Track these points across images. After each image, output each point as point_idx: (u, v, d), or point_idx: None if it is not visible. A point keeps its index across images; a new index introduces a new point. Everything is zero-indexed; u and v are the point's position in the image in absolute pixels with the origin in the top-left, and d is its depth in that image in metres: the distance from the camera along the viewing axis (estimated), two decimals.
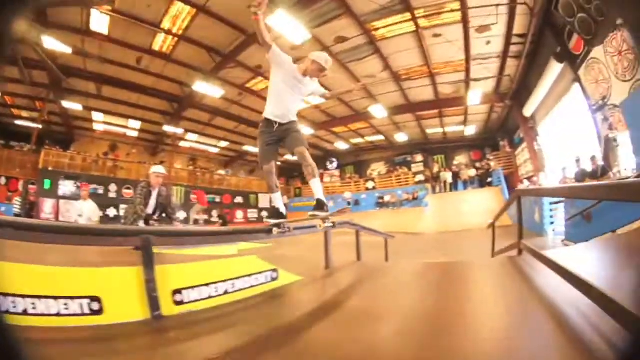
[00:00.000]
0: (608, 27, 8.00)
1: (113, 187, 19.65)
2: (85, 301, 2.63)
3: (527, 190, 4.25)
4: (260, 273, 4.01)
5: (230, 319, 3.12)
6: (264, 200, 25.98)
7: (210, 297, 3.38)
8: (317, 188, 3.89)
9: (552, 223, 10.84)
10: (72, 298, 2.59)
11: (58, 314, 2.52)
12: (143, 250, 2.96)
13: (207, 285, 3.39)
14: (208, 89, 15.24)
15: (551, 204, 10.72)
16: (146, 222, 5.49)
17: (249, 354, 2.23)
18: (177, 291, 3.14)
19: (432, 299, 3.40)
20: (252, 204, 25.89)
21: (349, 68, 14.93)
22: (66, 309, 2.56)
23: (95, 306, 2.66)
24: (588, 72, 10.09)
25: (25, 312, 2.39)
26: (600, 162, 8.83)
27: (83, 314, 2.61)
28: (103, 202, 17.30)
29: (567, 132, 13.89)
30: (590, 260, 3.75)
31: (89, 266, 3.02)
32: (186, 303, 3.17)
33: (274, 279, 4.13)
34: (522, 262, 3.98)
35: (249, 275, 3.86)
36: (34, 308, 2.43)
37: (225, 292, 3.55)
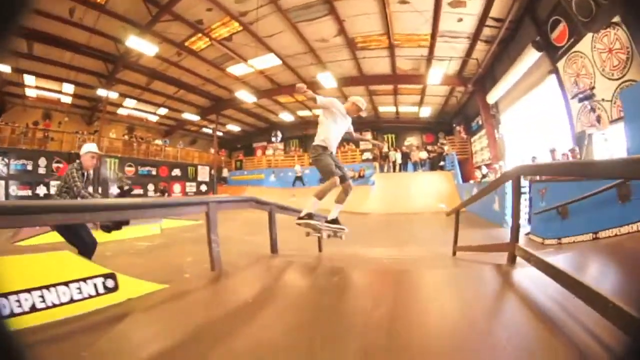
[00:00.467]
0: (608, 15, 7.67)
1: (43, 162, 17.38)
2: None
3: (530, 168, 3.02)
4: (84, 280, 2.55)
5: None
6: (202, 173, 24.82)
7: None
8: (337, 210, 4.84)
9: None
10: None
11: None
12: None
13: None
14: (144, 46, 13.37)
15: None
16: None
17: None
18: None
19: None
20: (190, 176, 24.19)
21: (299, 29, 13.48)
22: None
23: None
24: (569, 65, 10.06)
25: None
26: (580, 156, 8.46)
27: None
28: (32, 179, 16.56)
29: (534, 123, 13.62)
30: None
31: None
32: None
33: (109, 290, 2.67)
34: (523, 282, 2.66)
35: (66, 283, 2.43)
36: None
37: (34, 309, 2.20)
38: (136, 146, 22.89)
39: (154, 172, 22.32)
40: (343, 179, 4.67)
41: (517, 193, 3.49)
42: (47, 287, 2.30)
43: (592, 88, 9.05)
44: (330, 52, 15.25)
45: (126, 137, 23.45)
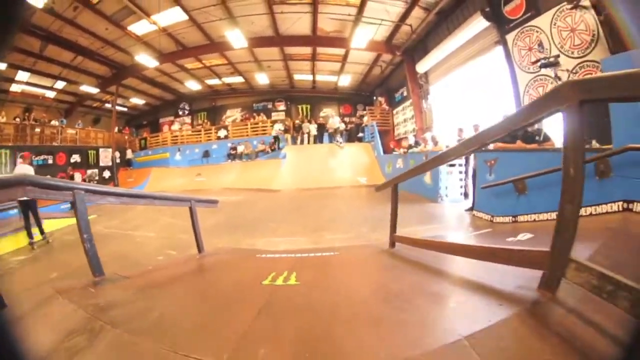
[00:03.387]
0: None
1: None
2: None
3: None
4: None
5: None
6: (105, 157, 21.84)
7: None
8: None
9: (447, 188, 10.12)
10: None
11: None
12: None
13: None
14: None
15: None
16: None
17: None
18: None
19: None
20: (91, 162, 21.04)
21: None
22: None
23: None
24: (521, 38, 10.08)
25: None
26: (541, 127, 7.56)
27: None
28: None
29: (471, 95, 13.19)
30: None
31: None
32: None
33: None
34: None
35: None
36: None
37: None
38: (29, 131, 19.08)
39: (50, 161, 18.98)
40: None
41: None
42: None
43: (557, 56, 8.92)
44: (243, 4, 13.55)
45: (17, 120, 19.46)
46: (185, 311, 2.40)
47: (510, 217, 6.24)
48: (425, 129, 15.56)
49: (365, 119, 20.81)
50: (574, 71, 8.43)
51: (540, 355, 1.31)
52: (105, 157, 21.69)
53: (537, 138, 6.84)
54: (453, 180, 9.97)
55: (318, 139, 20.86)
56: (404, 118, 18.44)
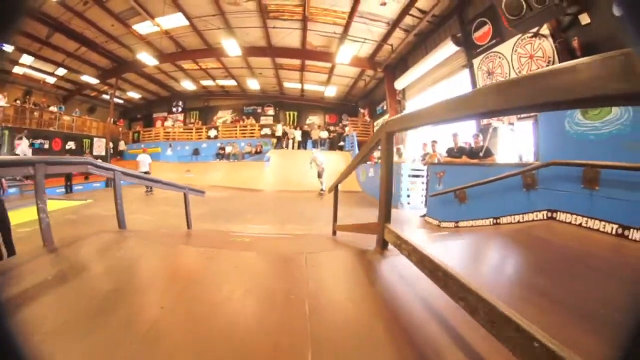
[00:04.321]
0: (537, 20, 7.80)
1: None
2: None
3: (400, 119, 2.61)
4: None
5: None
6: (99, 146, 22.31)
7: None
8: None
9: (409, 196, 10.84)
10: None
11: None
12: None
13: None
14: None
15: (410, 176, 10.86)
16: None
17: None
18: None
19: None
20: (85, 149, 21.25)
21: None
22: None
23: None
24: (485, 63, 10.78)
25: None
26: (484, 143, 8.43)
27: None
28: None
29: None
30: None
31: None
32: None
33: None
34: (388, 272, 2.43)
35: None
36: None
37: None
38: (29, 114, 19.44)
39: (46, 146, 19.31)
40: None
41: (388, 156, 2.90)
42: None
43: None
44: (240, 17, 14.47)
45: (18, 102, 19.69)
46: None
47: (454, 223, 6.97)
48: (399, 142, 15.89)
49: (347, 129, 21.52)
50: None
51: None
52: (99, 146, 22.17)
53: (480, 154, 7.68)
54: (417, 190, 10.74)
55: (302, 145, 21.48)
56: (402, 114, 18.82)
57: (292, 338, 1.51)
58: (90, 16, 15.02)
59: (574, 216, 4.40)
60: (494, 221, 5.78)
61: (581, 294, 2.15)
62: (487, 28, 10.56)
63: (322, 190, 14.01)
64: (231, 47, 16.00)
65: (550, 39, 8.19)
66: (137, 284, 2.36)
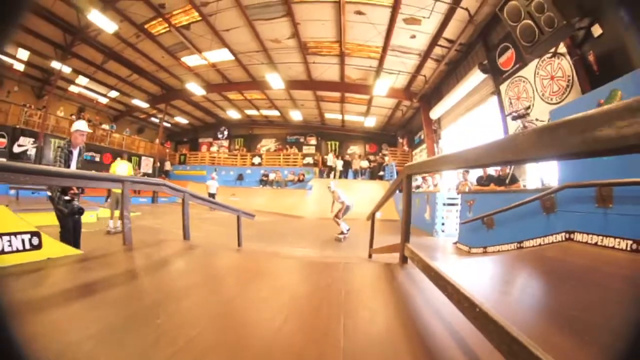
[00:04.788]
0: (551, 42, 7.86)
1: None
2: None
3: (418, 165, 3.16)
4: (14, 234, 2.72)
5: None
6: (146, 164, 24.26)
7: None
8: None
9: (443, 224, 10.91)
10: None
11: None
12: None
13: None
14: (104, 22, 13.09)
15: (445, 204, 10.90)
16: (64, 192, 4.41)
17: None
18: None
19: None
20: (133, 166, 22.71)
21: (255, 27, 13.64)
22: None
23: None
24: (511, 88, 10.59)
25: None
26: (510, 171, 8.57)
27: None
28: None
29: (472, 140, 13.50)
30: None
31: None
32: None
33: (34, 247, 2.89)
34: (404, 279, 2.94)
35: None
36: None
37: None
38: None
39: (97, 159, 21.30)
40: None
41: (407, 192, 3.49)
42: None
43: (527, 108, 9.56)
44: (281, 53, 15.43)
45: (73, 117, 21.79)
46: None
47: (482, 248, 7.00)
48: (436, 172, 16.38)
49: (386, 158, 21.75)
50: (542, 120, 8.70)
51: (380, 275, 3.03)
52: (146, 164, 24.11)
53: (506, 181, 7.87)
54: (452, 218, 10.71)
55: (343, 174, 21.92)
56: (421, 160, 18.65)
57: (330, 309, 2.15)
58: (142, 48, 16.37)
59: (590, 236, 4.40)
60: (518, 245, 5.86)
61: (581, 305, 2.33)
62: (510, 53, 10.55)
63: (341, 234, 10.32)
64: (275, 81, 16.81)
65: (568, 57, 8.10)
66: (213, 274, 3.39)
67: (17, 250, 2.71)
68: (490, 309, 1.35)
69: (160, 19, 13.92)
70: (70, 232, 4.39)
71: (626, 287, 2.75)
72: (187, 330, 1.67)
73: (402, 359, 1.54)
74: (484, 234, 7.18)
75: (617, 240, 4.01)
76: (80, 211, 4.50)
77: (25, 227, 2.85)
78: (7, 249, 2.66)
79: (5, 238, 2.66)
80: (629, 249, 3.84)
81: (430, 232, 10.96)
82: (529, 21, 7.85)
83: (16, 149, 17.29)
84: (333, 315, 1.99)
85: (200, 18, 13.43)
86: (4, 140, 16.77)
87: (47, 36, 15.65)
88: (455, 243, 8.68)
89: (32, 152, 17.87)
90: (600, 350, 1.54)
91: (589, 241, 4.41)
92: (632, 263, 3.56)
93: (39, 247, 2.87)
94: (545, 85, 9.15)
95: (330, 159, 22.97)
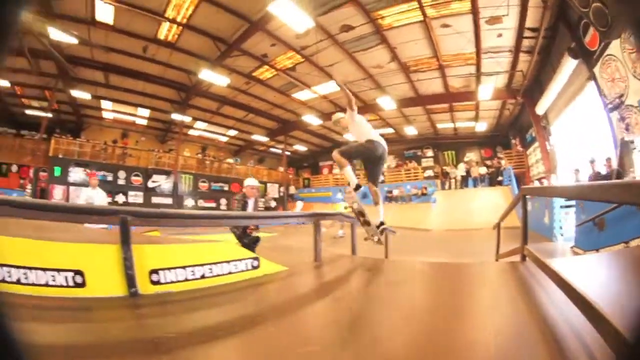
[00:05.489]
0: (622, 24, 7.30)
1: (122, 174, 20.50)
2: (70, 274, 2.85)
3: (532, 189, 3.89)
4: (239, 260, 3.97)
5: (205, 302, 3.17)
6: (271, 190, 26.87)
7: (187, 280, 3.44)
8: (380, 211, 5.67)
9: (561, 227, 10.30)
10: (58, 270, 2.81)
11: (46, 285, 2.76)
12: (121, 228, 3.10)
13: (183, 267, 3.45)
14: (214, 78, 15.20)
15: (562, 207, 10.19)
16: (244, 232, 5.63)
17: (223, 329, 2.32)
18: (154, 271, 3.26)
19: (416, 305, 3.15)
20: (260, 192, 25.63)
21: (356, 58, 14.73)
22: (53, 280, 2.79)
23: (79, 279, 2.87)
24: (604, 70, 9.51)
25: (18, 281, 2.66)
26: (615, 166, 8.23)
27: (67, 286, 2.83)
28: (112, 189, 18.91)
29: (580, 133, 13.38)
30: (598, 273, 3.41)
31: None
32: (163, 283, 3.28)
33: (254, 267, 4.09)
34: (524, 270, 3.72)
35: (227, 262, 3.83)
36: (26, 278, 2.70)
37: (203, 277, 3.57)
38: (208, 164, 25.30)
39: (225, 188, 24.62)
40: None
41: (524, 209, 4.38)
42: (219, 263, 3.74)
43: (621, 96, 8.83)
44: (386, 76, 16.34)
45: (199, 155, 25.83)
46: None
47: (595, 251, 6.56)
48: (551, 170, 15.86)
49: (502, 162, 21.12)
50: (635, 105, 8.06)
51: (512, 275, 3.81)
52: (272, 190, 26.90)
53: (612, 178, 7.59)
54: (570, 220, 9.79)
55: (464, 183, 22.12)
56: (536, 159, 18.52)
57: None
58: (253, 91, 18.33)
59: None
60: (625, 245, 5.59)
61: None
62: (593, 30, 9.38)
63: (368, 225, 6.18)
64: (386, 103, 17.83)
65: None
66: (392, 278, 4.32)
67: (243, 271, 3.96)
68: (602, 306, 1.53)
69: (267, 67, 15.61)
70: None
71: None
72: None
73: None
74: (596, 236, 6.84)
75: None
76: (257, 241, 5.74)
77: (247, 254, 4.13)
78: (238, 270, 3.90)
79: (238, 263, 3.93)
80: None
81: (549, 237, 10.40)
82: (599, 4, 7.38)
83: (150, 184, 21.54)
84: None
85: (303, 59, 14.88)
86: (139, 179, 21.07)
87: (163, 96, 18.74)
88: (573, 247, 8.39)
89: (164, 186, 22.09)
90: None
91: None
92: None
93: (257, 267, 4.11)
94: (634, 60, 8.24)
95: (462, 168, 22.79)
